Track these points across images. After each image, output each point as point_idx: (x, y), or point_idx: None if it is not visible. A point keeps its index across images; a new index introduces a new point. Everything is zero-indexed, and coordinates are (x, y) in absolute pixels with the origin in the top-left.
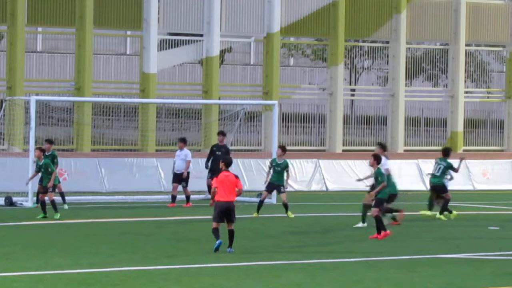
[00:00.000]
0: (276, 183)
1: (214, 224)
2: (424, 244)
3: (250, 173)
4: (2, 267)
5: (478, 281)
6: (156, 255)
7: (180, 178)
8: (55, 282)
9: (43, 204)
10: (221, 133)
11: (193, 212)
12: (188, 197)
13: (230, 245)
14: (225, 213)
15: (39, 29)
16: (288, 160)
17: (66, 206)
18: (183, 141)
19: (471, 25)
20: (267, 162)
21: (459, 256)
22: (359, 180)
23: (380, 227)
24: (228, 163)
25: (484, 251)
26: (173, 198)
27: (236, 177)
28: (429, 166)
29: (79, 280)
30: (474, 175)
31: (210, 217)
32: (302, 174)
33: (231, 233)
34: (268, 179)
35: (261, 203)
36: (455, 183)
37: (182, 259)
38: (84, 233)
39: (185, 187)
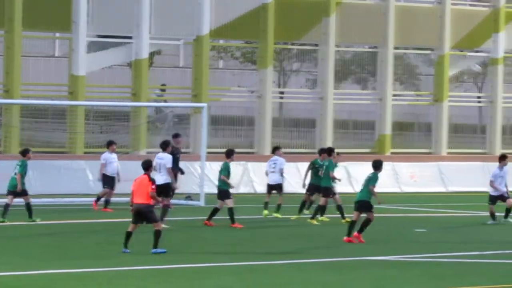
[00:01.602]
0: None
1: (129, 226)
2: (353, 246)
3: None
4: None
5: (404, 284)
6: (86, 258)
7: (114, 182)
8: None
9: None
10: (179, 135)
11: (122, 215)
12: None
13: (154, 246)
14: (139, 215)
15: None
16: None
17: None
18: (115, 144)
19: (400, 28)
20: (196, 164)
21: (386, 258)
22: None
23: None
24: (144, 167)
25: (411, 253)
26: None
27: (150, 180)
28: (358, 168)
29: (5, 283)
30: (401, 177)
31: None
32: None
33: (155, 234)
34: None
35: (303, 205)
36: (383, 185)
37: (113, 262)
38: (12, 235)
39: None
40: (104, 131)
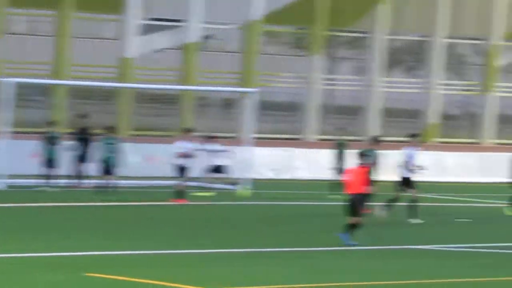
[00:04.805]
0: None
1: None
2: None
3: None
4: None
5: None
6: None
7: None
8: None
9: None
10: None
11: None
12: None
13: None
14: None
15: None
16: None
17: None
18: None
19: (452, 18)
20: (241, 149)
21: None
22: None
23: None
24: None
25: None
26: None
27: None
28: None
29: (51, 263)
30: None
31: None
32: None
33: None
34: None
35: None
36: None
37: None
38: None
39: None
40: (153, 114)
